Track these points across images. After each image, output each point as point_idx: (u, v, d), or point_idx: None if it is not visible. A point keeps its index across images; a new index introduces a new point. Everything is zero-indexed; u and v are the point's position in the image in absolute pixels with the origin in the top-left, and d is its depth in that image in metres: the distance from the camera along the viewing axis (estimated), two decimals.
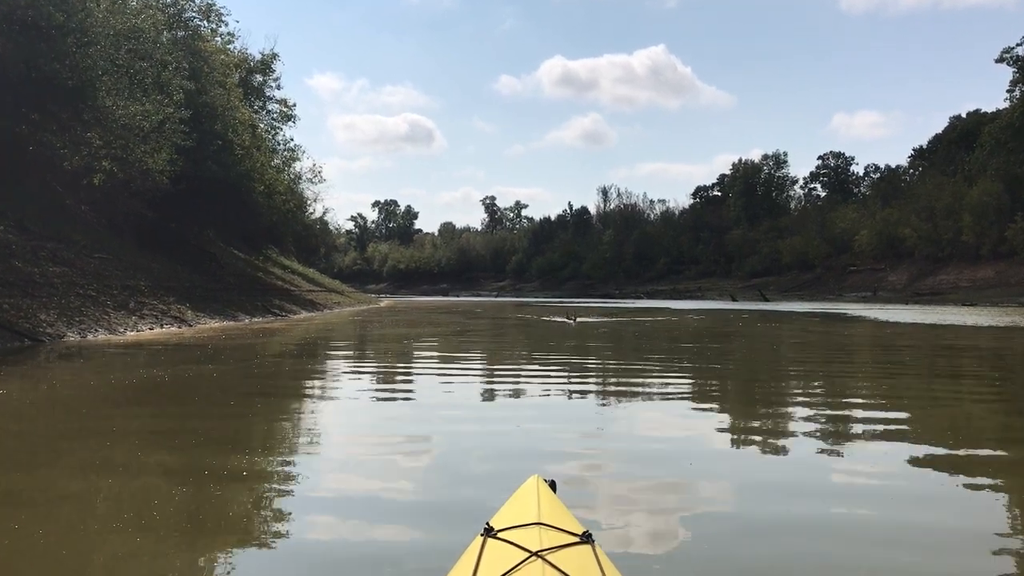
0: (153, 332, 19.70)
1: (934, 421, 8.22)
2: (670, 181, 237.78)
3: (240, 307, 29.64)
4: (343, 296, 58.07)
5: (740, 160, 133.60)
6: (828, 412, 8.57)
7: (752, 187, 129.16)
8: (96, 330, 17.69)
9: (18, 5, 16.50)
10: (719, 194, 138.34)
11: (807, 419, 7.94)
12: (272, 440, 7.09)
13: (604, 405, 9.34)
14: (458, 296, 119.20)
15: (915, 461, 6.08)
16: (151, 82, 22.45)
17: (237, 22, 65.62)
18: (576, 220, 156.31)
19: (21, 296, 17.18)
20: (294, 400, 9.62)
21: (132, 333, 18.70)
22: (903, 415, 8.41)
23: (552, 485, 3.35)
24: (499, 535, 2.79)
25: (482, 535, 2.84)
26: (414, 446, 6.65)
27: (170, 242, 33.54)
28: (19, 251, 20.36)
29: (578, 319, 30.54)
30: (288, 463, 6.08)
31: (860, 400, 9.63)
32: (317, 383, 11.59)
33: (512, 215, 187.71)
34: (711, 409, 9.14)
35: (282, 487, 5.36)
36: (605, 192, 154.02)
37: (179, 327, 21.77)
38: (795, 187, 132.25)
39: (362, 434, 7.27)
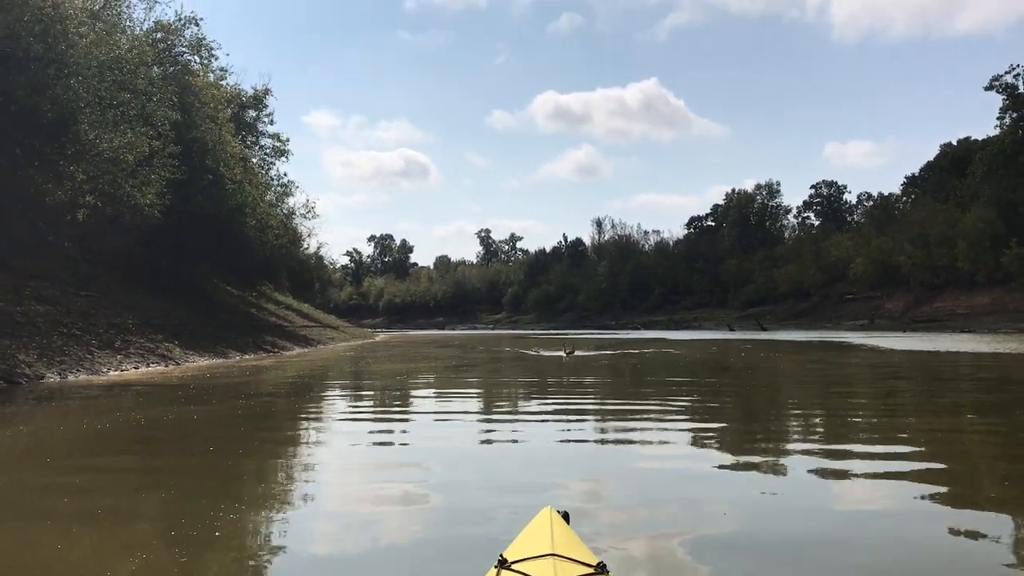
0: (138, 371, 19.14)
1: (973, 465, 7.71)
2: (664, 212, 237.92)
3: (231, 344, 29.07)
4: (337, 331, 57.50)
5: (733, 190, 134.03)
6: (860, 454, 8.05)
7: (746, 217, 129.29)
8: (77, 370, 17.12)
9: None
10: (713, 224, 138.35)
11: (824, 458, 7.42)
12: (258, 488, 6.61)
13: (602, 444, 8.81)
14: (454, 329, 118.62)
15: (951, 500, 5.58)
16: (135, 114, 22.02)
17: (227, 55, 66.02)
18: (571, 252, 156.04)
19: (0, 336, 16.64)
20: (280, 444, 9.09)
21: (115, 373, 18.13)
22: (924, 456, 7.89)
23: (565, 516, 3.42)
24: (513, 567, 2.83)
25: (496, 567, 2.88)
26: (411, 487, 6.40)
27: (161, 279, 33.05)
28: (0, 290, 19.85)
29: (574, 352, 29.29)
30: (279, 511, 5.79)
31: (900, 448, 9.10)
32: (304, 425, 11.04)
33: (507, 247, 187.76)
34: (720, 448, 8.62)
35: (275, 542, 5.04)
36: (599, 223, 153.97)
37: (166, 365, 21.20)
38: (789, 216, 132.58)
39: (355, 478, 6.92)
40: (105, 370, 18.05)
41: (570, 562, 2.83)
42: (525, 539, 3.17)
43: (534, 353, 32.10)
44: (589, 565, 2.83)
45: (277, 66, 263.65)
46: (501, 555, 2.93)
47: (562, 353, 28.65)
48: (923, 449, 8.01)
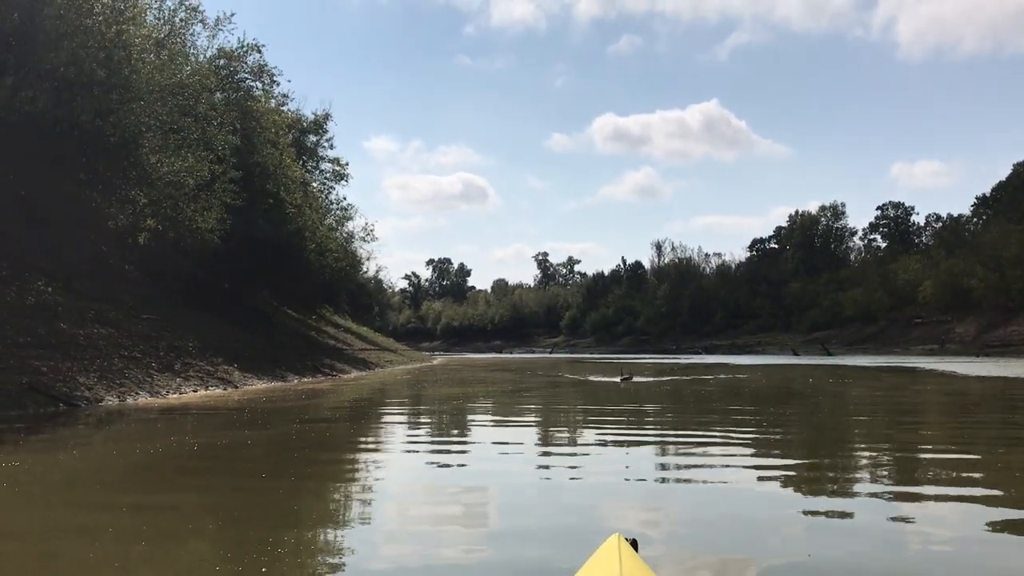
0: (197, 394, 19.14)
1: None
2: (725, 234, 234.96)
3: (289, 367, 29.12)
4: (395, 354, 57.64)
5: (797, 212, 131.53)
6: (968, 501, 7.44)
7: (810, 239, 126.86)
8: (137, 393, 17.15)
9: (60, 62, 16.40)
10: (776, 247, 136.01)
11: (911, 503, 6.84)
12: (310, 517, 6.40)
13: (663, 482, 8.32)
14: (511, 353, 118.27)
15: None
16: (196, 138, 22.25)
17: (289, 81, 67.34)
18: (630, 275, 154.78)
19: (62, 359, 16.75)
20: (334, 471, 8.79)
21: (174, 396, 18.14)
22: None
23: (634, 544, 3.35)
24: None
25: None
26: (470, 512, 6.43)
27: (222, 302, 33.37)
28: (64, 312, 20.07)
29: (630, 378, 27.66)
30: (337, 535, 5.81)
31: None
32: (359, 452, 10.75)
33: (565, 271, 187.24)
34: (787, 484, 8.06)
35: (333, 560, 5.12)
36: (659, 246, 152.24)
37: (224, 389, 21.21)
38: (854, 239, 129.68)
39: (412, 505, 6.76)
40: (164, 393, 18.07)
41: None
42: (593, 567, 3.11)
43: (591, 379, 30.85)
44: None
45: (338, 93, 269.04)
46: None
47: (617, 379, 27.51)
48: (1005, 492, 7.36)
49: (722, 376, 32.20)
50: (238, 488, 7.47)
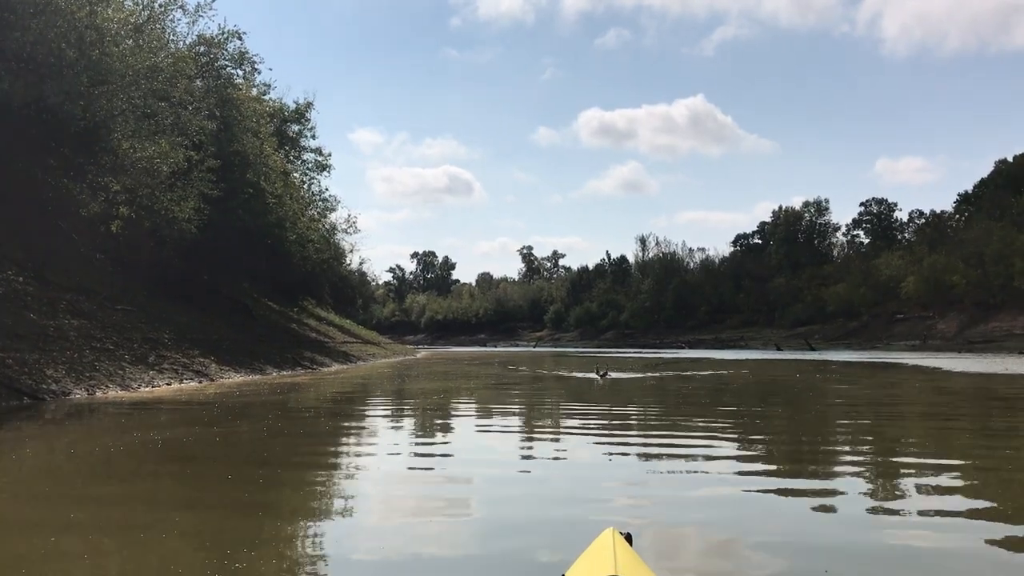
0: (171, 388, 18.62)
1: None
2: (710, 229, 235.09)
3: (269, 360, 28.58)
4: (379, 347, 57.10)
5: (781, 207, 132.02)
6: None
7: (794, 234, 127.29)
8: (107, 386, 16.60)
9: (25, 41, 15.75)
10: (759, 242, 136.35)
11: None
12: (283, 527, 5.88)
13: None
14: (496, 346, 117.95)
15: None
16: (170, 122, 21.53)
17: (271, 70, 66.79)
18: (614, 269, 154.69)
19: (28, 350, 16.17)
20: (302, 468, 8.35)
21: (146, 389, 17.60)
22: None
23: (628, 538, 3.36)
24: None
25: None
26: (453, 505, 6.41)
27: (200, 293, 32.75)
28: (34, 303, 19.49)
29: (607, 374, 26.16)
30: (317, 528, 5.74)
31: None
32: (331, 447, 10.31)
33: (549, 264, 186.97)
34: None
35: (315, 552, 5.09)
36: (644, 241, 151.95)
37: (200, 382, 20.69)
38: (837, 234, 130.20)
39: (393, 499, 6.74)
40: (136, 386, 17.53)
41: None
42: (587, 560, 3.09)
43: (575, 375, 29.30)
44: None
45: (323, 85, 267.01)
46: (563, 575, 2.86)
47: (595, 376, 26.18)
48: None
49: (710, 372, 31.78)
50: (198, 491, 7.03)
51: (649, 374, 30.00)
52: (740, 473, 7.80)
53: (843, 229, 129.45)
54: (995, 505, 6.36)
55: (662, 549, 5.00)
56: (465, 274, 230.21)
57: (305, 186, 48.34)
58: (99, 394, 15.78)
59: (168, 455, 8.79)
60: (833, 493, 6.96)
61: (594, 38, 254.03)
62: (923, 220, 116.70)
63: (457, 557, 4.89)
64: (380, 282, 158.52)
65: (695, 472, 7.95)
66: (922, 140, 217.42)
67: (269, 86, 42.14)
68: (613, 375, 26.77)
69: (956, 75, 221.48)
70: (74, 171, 19.64)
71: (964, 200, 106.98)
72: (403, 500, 6.58)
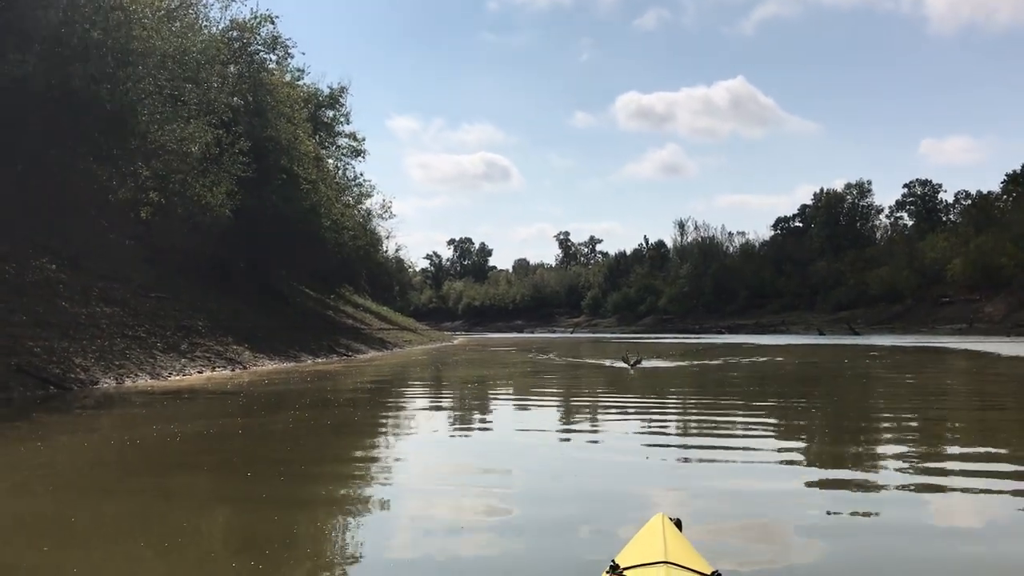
0: (202, 376, 18.33)
1: None
2: (751, 213, 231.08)
3: (304, 347, 28.33)
4: (415, 334, 56.87)
5: (822, 190, 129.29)
6: None
7: (835, 217, 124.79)
8: (136, 375, 16.32)
9: (50, 23, 15.42)
10: (800, 225, 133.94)
11: None
12: (322, 505, 5.84)
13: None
14: (532, 332, 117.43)
15: None
16: (196, 102, 21.09)
17: (304, 54, 66.48)
18: (652, 254, 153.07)
19: (59, 338, 15.93)
20: (337, 463, 7.88)
21: (177, 377, 17.31)
22: None
23: (678, 523, 3.39)
24: (625, 573, 2.79)
25: (608, 573, 2.86)
26: (491, 501, 6.15)
27: (236, 281, 32.62)
28: (67, 291, 19.27)
29: (639, 363, 23.54)
30: (352, 524, 5.61)
31: None
32: (366, 439, 9.84)
33: (586, 250, 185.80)
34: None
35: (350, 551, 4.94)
36: (682, 225, 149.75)
37: (232, 369, 20.41)
38: (880, 216, 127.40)
39: (431, 496, 6.42)
40: (166, 374, 17.25)
41: (684, 570, 2.74)
42: (637, 545, 3.10)
43: (605, 364, 26.33)
44: (703, 574, 2.73)
45: (359, 72, 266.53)
46: (613, 561, 2.88)
47: (625, 365, 23.43)
48: None
49: (756, 359, 30.73)
50: (215, 489, 6.58)
51: (689, 363, 27.99)
52: (783, 463, 7.59)
53: (886, 211, 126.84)
54: None
55: (704, 538, 4.75)
56: (502, 260, 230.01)
57: (339, 172, 48.02)
58: (128, 383, 15.49)
59: (190, 449, 8.37)
60: (877, 488, 6.57)
61: (633, 18, 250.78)
62: (969, 201, 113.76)
63: (499, 555, 4.71)
64: (417, 269, 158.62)
65: (734, 462, 7.61)
66: (969, 120, 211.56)
67: (303, 71, 41.72)
68: (647, 363, 24.65)
69: (1005, 52, 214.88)
70: (103, 157, 19.33)
71: (1012, 180, 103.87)
72: (441, 496, 6.33)
